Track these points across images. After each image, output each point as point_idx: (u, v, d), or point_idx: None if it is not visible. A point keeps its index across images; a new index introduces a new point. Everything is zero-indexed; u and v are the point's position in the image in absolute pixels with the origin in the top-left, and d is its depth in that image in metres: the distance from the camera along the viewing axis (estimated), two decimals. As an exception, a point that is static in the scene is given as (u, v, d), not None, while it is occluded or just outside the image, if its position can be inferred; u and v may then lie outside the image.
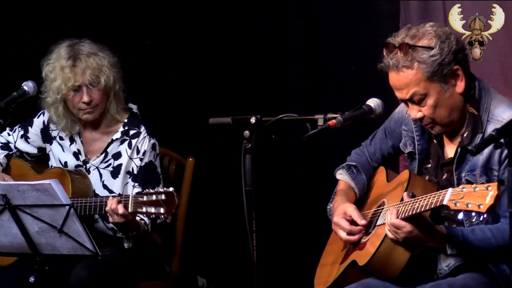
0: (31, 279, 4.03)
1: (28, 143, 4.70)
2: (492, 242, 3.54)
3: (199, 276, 5.62)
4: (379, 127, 4.09)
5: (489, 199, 3.22)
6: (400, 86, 3.63)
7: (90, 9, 5.54)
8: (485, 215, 3.26)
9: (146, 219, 4.38)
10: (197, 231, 5.41)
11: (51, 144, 4.65)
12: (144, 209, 4.11)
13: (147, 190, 4.15)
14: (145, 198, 4.12)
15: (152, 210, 4.10)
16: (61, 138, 4.63)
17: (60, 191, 3.95)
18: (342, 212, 3.89)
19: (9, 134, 4.72)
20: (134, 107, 4.64)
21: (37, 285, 4.02)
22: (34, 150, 4.72)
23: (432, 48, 3.58)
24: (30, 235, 4.05)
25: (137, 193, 4.17)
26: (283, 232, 5.51)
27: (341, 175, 4.09)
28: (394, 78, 3.64)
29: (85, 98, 4.45)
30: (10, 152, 4.71)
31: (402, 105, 3.92)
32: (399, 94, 3.67)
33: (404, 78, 3.60)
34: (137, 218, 4.30)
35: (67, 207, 3.94)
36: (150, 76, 5.62)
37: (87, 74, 4.44)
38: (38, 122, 4.69)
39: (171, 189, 4.11)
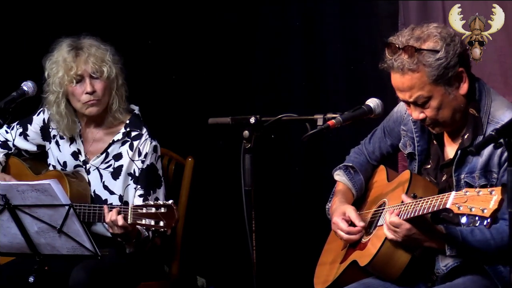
0: (31, 279, 4.02)
1: (27, 141, 4.69)
2: (491, 243, 3.53)
3: (198, 276, 5.62)
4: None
5: (493, 204, 3.22)
6: (404, 88, 3.60)
7: (90, 9, 5.54)
8: (488, 220, 3.25)
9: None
10: (196, 231, 5.41)
11: (50, 143, 4.65)
12: (143, 221, 4.12)
13: (146, 202, 4.17)
14: (144, 210, 4.12)
15: (152, 223, 4.11)
16: (61, 137, 4.62)
17: (60, 191, 3.95)
18: (341, 213, 3.90)
19: (7, 132, 4.70)
20: (136, 108, 4.62)
21: (36, 285, 4.02)
22: (33, 148, 4.71)
23: (438, 51, 3.54)
24: (29, 235, 4.05)
25: (137, 205, 4.18)
26: (283, 232, 5.51)
27: (339, 176, 4.09)
28: (398, 80, 3.60)
29: (88, 88, 4.43)
30: (10, 152, 4.70)
31: (400, 104, 3.91)
32: (401, 96, 3.64)
33: (408, 81, 3.57)
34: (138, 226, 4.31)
35: (67, 207, 3.94)
36: (150, 76, 5.62)
37: (90, 63, 4.42)
38: (38, 120, 4.67)
39: (170, 201, 4.11)
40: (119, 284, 4.38)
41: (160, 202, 4.13)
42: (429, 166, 3.82)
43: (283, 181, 5.56)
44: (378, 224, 3.79)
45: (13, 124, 4.69)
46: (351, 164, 4.07)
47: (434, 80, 3.55)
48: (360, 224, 3.82)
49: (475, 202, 3.27)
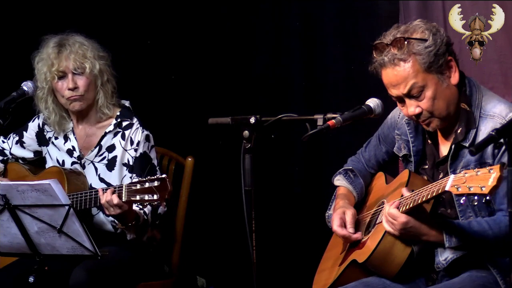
0: (31, 279, 4.02)
1: (24, 148, 4.72)
2: (489, 233, 3.55)
3: (198, 276, 5.62)
4: (378, 127, 4.10)
5: (491, 181, 3.20)
6: (398, 81, 3.63)
7: (90, 8, 5.55)
8: (487, 197, 3.25)
9: (145, 209, 4.38)
10: (196, 231, 5.41)
11: (47, 146, 4.66)
12: (138, 197, 4.12)
13: (140, 179, 4.16)
14: (138, 186, 4.13)
15: (146, 197, 4.10)
16: (56, 138, 4.64)
17: (60, 191, 3.95)
18: (342, 211, 3.93)
19: (3, 142, 4.74)
20: (126, 102, 4.64)
21: (36, 285, 4.02)
22: (30, 155, 4.73)
23: (426, 40, 3.61)
24: (29, 235, 4.05)
25: (131, 182, 4.19)
26: (283, 232, 5.51)
27: (339, 181, 4.12)
28: (391, 74, 3.64)
29: (70, 84, 4.47)
30: (5, 158, 4.72)
31: (394, 110, 3.96)
32: (395, 91, 3.65)
33: (402, 71, 3.60)
34: (136, 208, 4.31)
35: (67, 207, 3.94)
36: (149, 76, 5.62)
37: (71, 60, 4.46)
38: (33, 126, 4.70)
39: (163, 175, 4.11)
40: (119, 284, 4.38)
41: (154, 177, 4.14)
42: (426, 166, 3.84)
43: (283, 181, 5.56)
44: (377, 222, 3.80)
45: (10, 134, 4.72)
46: (350, 167, 4.10)
47: (426, 67, 3.60)
48: (349, 230, 3.86)
49: (474, 182, 3.26)
